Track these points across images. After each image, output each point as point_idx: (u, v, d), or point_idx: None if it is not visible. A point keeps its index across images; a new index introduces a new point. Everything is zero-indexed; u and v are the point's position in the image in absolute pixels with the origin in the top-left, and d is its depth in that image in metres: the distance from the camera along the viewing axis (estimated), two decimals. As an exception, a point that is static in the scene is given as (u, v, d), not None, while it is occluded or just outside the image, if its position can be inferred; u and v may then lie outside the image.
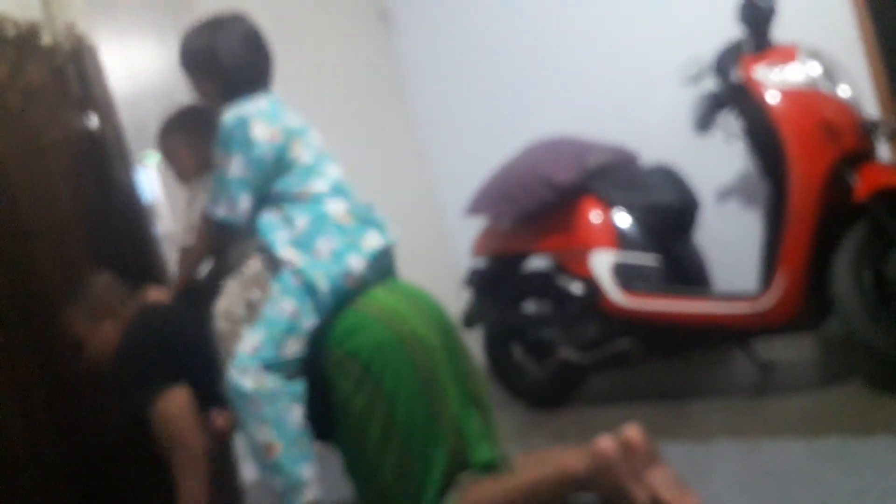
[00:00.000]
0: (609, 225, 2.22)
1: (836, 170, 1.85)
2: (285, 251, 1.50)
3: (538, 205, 2.24)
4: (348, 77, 3.06)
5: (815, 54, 1.96)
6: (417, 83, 3.32)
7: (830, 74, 1.94)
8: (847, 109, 1.91)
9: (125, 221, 2.02)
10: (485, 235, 2.53)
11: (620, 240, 2.20)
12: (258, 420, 1.41)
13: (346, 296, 1.50)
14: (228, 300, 1.55)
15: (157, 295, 1.68)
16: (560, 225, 2.27)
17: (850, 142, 1.86)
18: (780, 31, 2.06)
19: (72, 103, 2.01)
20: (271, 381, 1.42)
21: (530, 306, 2.49)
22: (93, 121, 2.01)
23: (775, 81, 1.94)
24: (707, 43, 2.18)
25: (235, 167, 1.51)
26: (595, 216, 2.23)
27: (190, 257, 1.67)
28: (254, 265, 1.57)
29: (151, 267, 2.03)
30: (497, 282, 2.48)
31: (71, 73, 2.00)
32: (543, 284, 2.41)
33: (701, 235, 2.38)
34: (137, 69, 2.33)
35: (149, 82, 2.34)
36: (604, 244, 2.20)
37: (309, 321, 1.46)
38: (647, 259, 2.18)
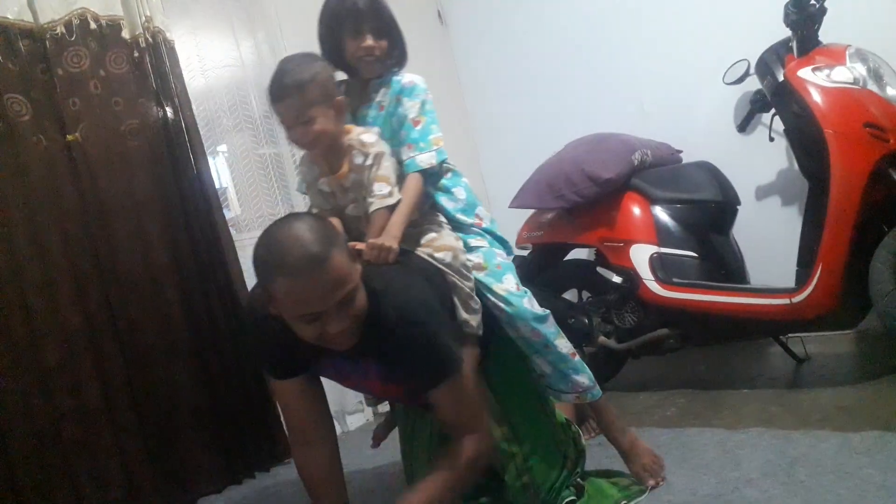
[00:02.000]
0: (650, 220, 2.24)
1: (880, 169, 1.82)
2: (461, 217, 1.62)
3: (582, 199, 2.26)
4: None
5: (862, 55, 1.93)
6: (471, 83, 3.39)
7: (879, 75, 1.91)
8: (894, 109, 1.86)
9: (196, 205, 2.14)
10: (529, 226, 2.56)
11: (660, 235, 2.22)
12: (559, 333, 1.61)
13: None
14: (444, 241, 1.53)
15: (388, 241, 1.41)
16: (602, 218, 2.29)
17: (896, 141, 1.82)
18: (831, 31, 2.04)
19: (149, 94, 2.12)
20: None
21: (570, 295, 2.55)
22: (168, 111, 2.12)
23: (820, 80, 1.91)
24: (754, 43, 2.18)
25: (437, 125, 1.59)
26: (637, 211, 2.25)
27: (409, 206, 1.48)
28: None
29: (220, 248, 2.15)
30: (539, 270, 2.51)
31: (148, 65, 2.11)
32: (584, 274, 2.45)
33: (741, 232, 2.39)
34: (209, 65, 2.42)
35: (219, 76, 2.44)
36: (644, 239, 2.22)
37: None
38: (685, 254, 2.21)
